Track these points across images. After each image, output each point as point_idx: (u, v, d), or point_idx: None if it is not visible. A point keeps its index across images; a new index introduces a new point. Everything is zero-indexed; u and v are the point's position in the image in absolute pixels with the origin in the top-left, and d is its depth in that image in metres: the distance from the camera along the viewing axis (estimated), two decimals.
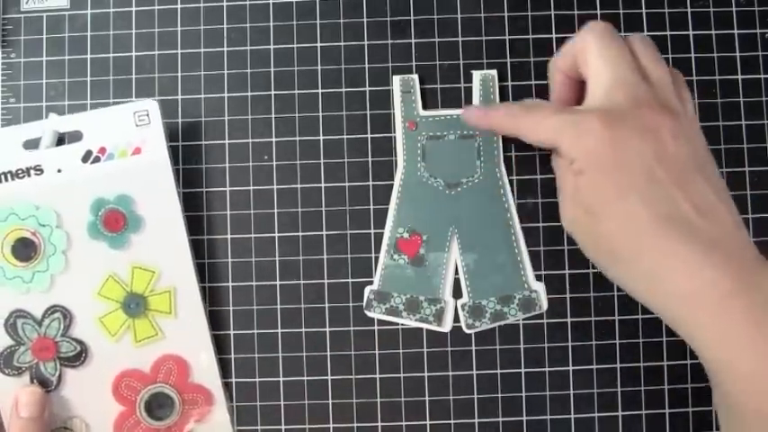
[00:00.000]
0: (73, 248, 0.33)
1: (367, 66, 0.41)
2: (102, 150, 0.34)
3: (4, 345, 0.33)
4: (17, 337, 0.33)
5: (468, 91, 0.40)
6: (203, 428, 0.36)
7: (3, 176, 0.32)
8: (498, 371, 0.39)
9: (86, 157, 0.34)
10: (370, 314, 0.39)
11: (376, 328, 0.39)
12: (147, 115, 0.34)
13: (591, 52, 0.31)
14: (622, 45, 0.31)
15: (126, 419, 0.35)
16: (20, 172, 0.32)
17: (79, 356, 0.34)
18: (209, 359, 0.36)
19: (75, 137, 0.35)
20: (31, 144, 0.34)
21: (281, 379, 0.39)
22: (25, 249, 0.33)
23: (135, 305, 0.34)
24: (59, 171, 0.33)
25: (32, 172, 0.33)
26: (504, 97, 0.40)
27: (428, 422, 0.39)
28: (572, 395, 0.39)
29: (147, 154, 0.35)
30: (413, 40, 0.41)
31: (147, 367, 0.35)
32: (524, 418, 0.39)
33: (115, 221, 0.34)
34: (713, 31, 0.41)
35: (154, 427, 0.35)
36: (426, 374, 0.39)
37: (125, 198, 0.34)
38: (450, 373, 0.39)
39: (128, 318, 0.34)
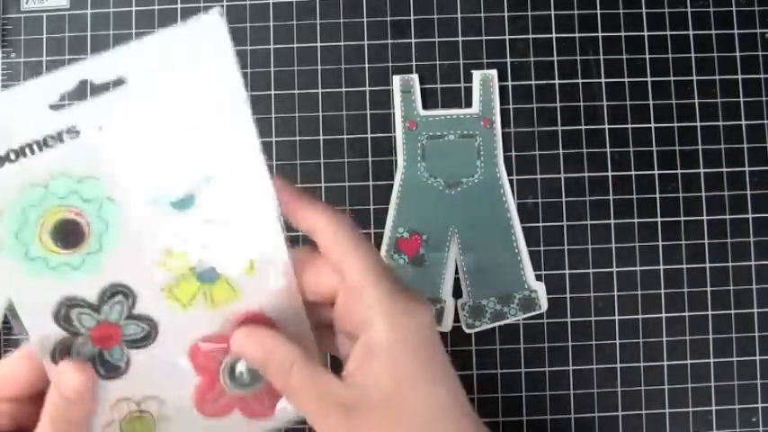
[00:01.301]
0: (128, 218, 0.27)
1: (367, 66, 0.41)
2: None
3: (55, 337, 0.27)
4: (73, 329, 0.27)
5: (468, 91, 0.40)
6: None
7: (28, 148, 0.25)
8: (498, 371, 0.39)
9: None
10: None
11: None
12: (209, 31, 0.25)
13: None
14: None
15: (208, 391, 0.29)
16: (49, 139, 0.25)
17: (148, 336, 0.29)
18: (296, 307, 0.29)
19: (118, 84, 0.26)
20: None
21: None
22: (70, 234, 0.27)
23: (209, 271, 0.28)
24: (101, 129, 0.26)
25: (66, 136, 0.25)
26: (504, 97, 0.40)
27: None
28: (572, 395, 0.39)
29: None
30: (413, 40, 0.41)
31: (228, 329, 0.29)
32: (524, 418, 0.39)
33: None
34: (713, 31, 0.41)
35: (241, 394, 0.29)
36: None
37: None
38: None
39: (201, 285, 0.28)
